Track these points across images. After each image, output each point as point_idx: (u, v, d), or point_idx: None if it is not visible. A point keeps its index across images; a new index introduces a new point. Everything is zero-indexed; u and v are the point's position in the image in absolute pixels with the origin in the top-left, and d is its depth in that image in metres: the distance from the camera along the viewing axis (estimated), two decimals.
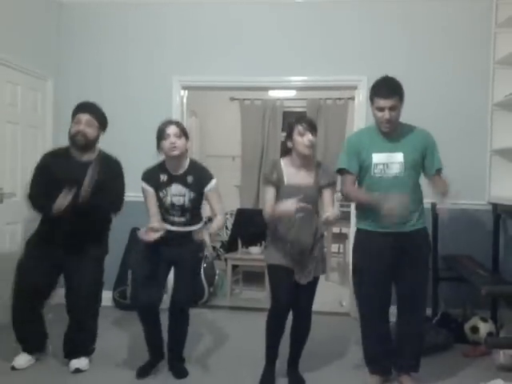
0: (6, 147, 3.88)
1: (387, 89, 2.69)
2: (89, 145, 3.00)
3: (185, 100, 4.56)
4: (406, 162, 2.73)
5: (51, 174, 2.95)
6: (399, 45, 4.19)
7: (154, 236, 2.81)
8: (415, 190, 2.82)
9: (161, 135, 2.90)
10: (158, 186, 2.94)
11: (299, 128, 2.75)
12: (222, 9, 4.39)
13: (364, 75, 4.05)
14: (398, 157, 2.74)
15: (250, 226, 5.09)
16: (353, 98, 4.66)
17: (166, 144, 2.88)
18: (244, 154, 7.34)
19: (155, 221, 2.92)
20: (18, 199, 3.98)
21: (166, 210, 2.96)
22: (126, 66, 4.50)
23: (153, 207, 2.95)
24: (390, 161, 2.74)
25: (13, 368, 3.03)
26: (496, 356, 3.19)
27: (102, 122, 3.05)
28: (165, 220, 2.97)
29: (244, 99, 7.36)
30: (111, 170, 3.05)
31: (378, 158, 2.75)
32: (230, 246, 5.35)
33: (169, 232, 2.92)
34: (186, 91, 4.57)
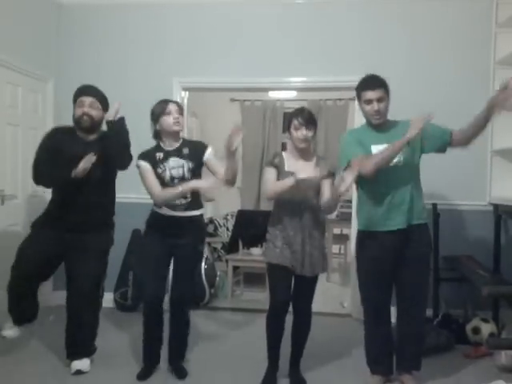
0: (6, 149, 3.88)
1: (372, 81, 2.77)
2: (94, 126, 3.02)
3: (185, 101, 4.56)
4: (403, 152, 2.73)
5: (58, 150, 2.96)
6: (399, 45, 4.19)
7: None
8: (415, 180, 2.84)
9: (161, 112, 2.91)
10: (155, 163, 2.93)
11: (295, 122, 2.82)
12: (221, 10, 4.40)
13: (364, 76, 4.04)
14: None
15: (250, 227, 5.09)
16: (353, 99, 4.60)
17: (168, 119, 2.90)
18: (244, 155, 7.31)
19: (165, 190, 2.86)
20: (19, 201, 3.99)
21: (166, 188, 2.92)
22: (126, 68, 4.50)
23: (155, 181, 2.90)
24: None
25: (2, 337, 3.03)
26: (497, 357, 3.19)
27: (104, 104, 3.07)
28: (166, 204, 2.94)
29: (244, 100, 7.36)
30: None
31: (377, 149, 2.76)
32: (230, 248, 5.34)
33: (170, 218, 2.91)
34: (187, 92, 4.57)
